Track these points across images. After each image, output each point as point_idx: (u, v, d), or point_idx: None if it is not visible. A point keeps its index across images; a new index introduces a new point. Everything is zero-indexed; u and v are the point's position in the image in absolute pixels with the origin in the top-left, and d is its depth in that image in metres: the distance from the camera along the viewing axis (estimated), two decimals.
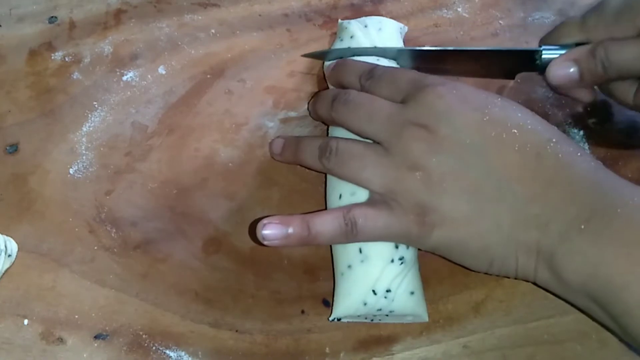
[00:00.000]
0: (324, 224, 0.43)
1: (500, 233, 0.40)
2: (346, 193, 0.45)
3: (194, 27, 0.57)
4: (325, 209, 0.47)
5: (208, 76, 0.55)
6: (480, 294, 0.47)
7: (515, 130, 0.41)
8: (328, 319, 0.45)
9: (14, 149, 0.51)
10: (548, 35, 0.50)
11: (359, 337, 0.46)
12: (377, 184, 0.43)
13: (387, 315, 0.44)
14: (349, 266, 0.44)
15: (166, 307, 0.46)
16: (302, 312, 0.47)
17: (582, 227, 0.38)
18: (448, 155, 0.41)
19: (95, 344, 0.45)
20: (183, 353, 0.45)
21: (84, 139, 0.51)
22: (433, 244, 0.42)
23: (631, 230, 0.37)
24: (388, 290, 0.43)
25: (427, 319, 0.45)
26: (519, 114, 0.42)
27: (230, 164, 0.51)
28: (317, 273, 0.48)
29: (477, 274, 0.47)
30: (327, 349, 0.45)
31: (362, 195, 0.44)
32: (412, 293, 0.43)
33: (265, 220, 0.42)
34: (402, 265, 0.43)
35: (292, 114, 0.54)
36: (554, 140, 0.41)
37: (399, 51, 0.51)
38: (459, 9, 0.60)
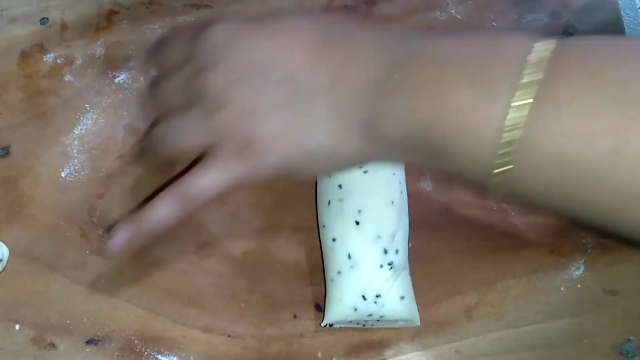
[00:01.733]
0: (159, 212, 0.41)
1: (319, 129, 0.38)
2: (334, 199, 0.45)
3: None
4: (317, 213, 0.47)
5: None
6: (472, 299, 0.47)
7: (295, 30, 0.40)
8: (320, 325, 0.45)
9: (5, 152, 0.50)
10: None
11: (351, 341, 0.46)
12: (198, 142, 0.41)
13: (378, 321, 0.44)
14: (339, 272, 0.44)
15: (158, 312, 0.46)
16: (295, 316, 0.47)
17: (388, 86, 0.36)
18: (245, 80, 0.39)
19: (87, 349, 0.45)
20: (175, 358, 0.45)
21: (75, 142, 0.51)
22: (270, 171, 0.40)
23: (430, 68, 0.35)
24: (378, 296, 0.43)
25: (418, 323, 0.45)
26: (295, 17, 0.42)
27: None
28: (309, 277, 0.48)
29: (469, 278, 0.48)
30: (320, 353, 0.46)
31: (350, 201, 0.44)
32: (402, 298, 0.43)
33: (112, 232, 0.41)
34: (392, 270, 0.43)
35: None
36: (336, 22, 0.40)
37: None
38: (453, 11, 0.59)
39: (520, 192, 0.34)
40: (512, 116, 0.31)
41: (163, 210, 0.40)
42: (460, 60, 0.34)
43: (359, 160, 0.40)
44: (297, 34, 0.40)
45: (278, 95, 0.39)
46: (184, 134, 0.41)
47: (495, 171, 0.33)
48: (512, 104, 0.31)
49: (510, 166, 0.32)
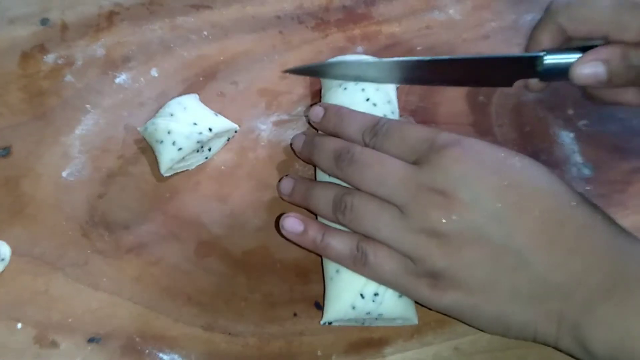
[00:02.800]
0: (337, 241, 0.43)
1: (518, 301, 0.39)
2: None
3: (187, 29, 0.57)
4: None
5: (200, 78, 0.55)
6: None
7: (535, 195, 0.40)
8: (319, 323, 0.45)
9: (6, 152, 0.51)
10: (564, 11, 0.46)
11: (351, 339, 0.46)
12: (393, 242, 0.42)
13: (376, 319, 0.44)
14: (337, 271, 0.44)
15: (159, 310, 0.46)
16: (294, 314, 0.47)
17: (606, 296, 0.37)
18: (467, 222, 0.40)
19: (89, 348, 0.45)
20: (176, 356, 0.45)
21: (76, 142, 0.51)
22: (444, 306, 0.41)
23: None
24: (376, 294, 0.43)
25: (416, 322, 0.45)
26: (538, 176, 0.41)
27: (222, 167, 0.51)
28: (309, 276, 0.48)
29: None
30: (319, 351, 0.46)
31: None
32: (400, 296, 0.44)
33: (290, 213, 0.45)
34: None
35: (285, 116, 0.54)
36: (573, 203, 0.40)
37: (394, 63, 0.49)
38: (451, 11, 0.60)
39: None
40: None
41: (341, 245, 0.43)
42: None
43: (530, 340, 0.41)
44: (534, 198, 0.40)
45: (496, 251, 0.39)
46: (383, 229, 0.42)
47: None
48: None
49: None
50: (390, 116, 0.49)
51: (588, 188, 0.52)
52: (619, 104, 0.48)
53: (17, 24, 0.56)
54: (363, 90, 0.49)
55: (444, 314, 0.43)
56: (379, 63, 0.49)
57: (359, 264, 0.42)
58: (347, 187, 0.45)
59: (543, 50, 0.46)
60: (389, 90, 0.51)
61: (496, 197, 0.40)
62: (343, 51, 0.56)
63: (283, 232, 0.45)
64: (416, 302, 0.44)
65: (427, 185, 0.41)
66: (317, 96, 0.54)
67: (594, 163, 0.53)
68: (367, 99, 0.49)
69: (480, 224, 0.39)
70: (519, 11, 0.60)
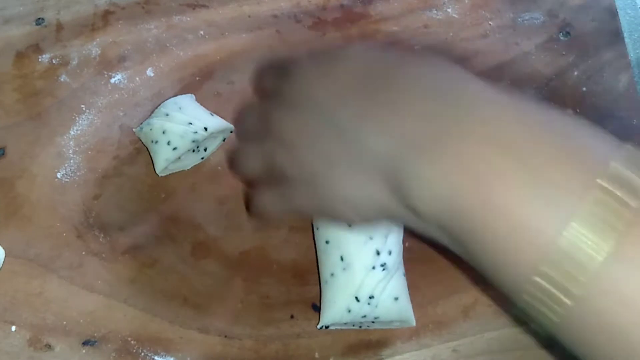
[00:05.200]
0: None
1: (348, 175, 0.36)
2: None
3: (183, 28, 0.57)
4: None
5: (197, 78, 0.54)
6: (469, 298, 0.47)
7: (346, 59, 0.38)
8: (316, 327, 0.45)
9: (0, 152, 0.50)
10: None
11: (349, 341, 0.46)
12: (258, 168, 0.41)
13: (373, 322, 0.44)
14: (332, 274, 0.44)
15: (155, 313, 0.46)
16: (292, 316, 0.46)
17: (424, 148, 0.32)
18: (292, 113, 0.39)
19: (84, 350, 0.44)
20: (172, 359, 0.45)
21: (71, 143, 0.51)
22: (302, 210, 0.40)
23: (477, 147, 0.31)
24: (371, 297, 0.42)
25: (414, 324, 0.45)
26: (361, 48, 0.39)
27: (219, 168, 0.51)
28: (306, 277, 0.48)
29: (466, 278, 0.47)
30: (317, 353, 0.46)
31: None
32: (396, 299, 0.43)
33: None
34: (385, 271, 0.43)
35: None
36: (390, 55, 0.37)
37: None
38: (449, 10, 0.59)
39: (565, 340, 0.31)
40: (568, 241, 0.28)
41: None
42: (527, 154, 0.30)
43: (389, 216, 0.37)
44: (344, 65, 0.38)
45: (312, 130, 0.37)
46: (252, 160, 0.42)
47: (528, 289, 0.30)
48: (571, 234, 0.28)
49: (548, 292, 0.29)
50: None
51: None
52: None
53: (12, 24, 0.55)
54: None
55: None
56: None
57: (259, 217, 0.44)
58: None
59: None
60: None
61: (314, 78, 0.38)
62: None
63: None
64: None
65: (273, 106, 0.41)
66: None
67: None
68: None
69: (303, 115, 0.38)
70: (517, 10, 0.59)
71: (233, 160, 0.45)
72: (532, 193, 0.29)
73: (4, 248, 0.47)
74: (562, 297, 0.29)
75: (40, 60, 0.54)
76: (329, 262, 0.44)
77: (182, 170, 0.50)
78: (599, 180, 0.28)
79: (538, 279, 0.29)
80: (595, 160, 0.30)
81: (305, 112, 0.38)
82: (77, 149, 0.51)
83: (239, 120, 0.46)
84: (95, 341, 0.45)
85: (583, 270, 0.28)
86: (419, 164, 0.32)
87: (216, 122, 0.49)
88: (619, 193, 0.28)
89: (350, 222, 0.40)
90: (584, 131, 0.32)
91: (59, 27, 0.56)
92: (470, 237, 0.31)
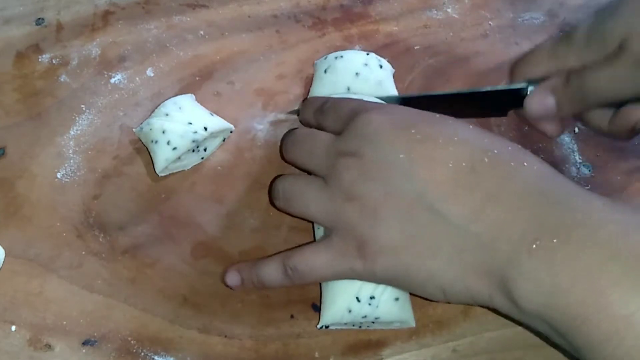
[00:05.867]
0: (267, 273, 0.43)
1: (442, 257, 0.38)
2: None
3: (183, 28, 0.57)
4: None
5: (197, 78, 0.54)
6: None
7: (447, 145, 0.38)
8: (316, 327, 0.45)
9: (0, 152, 0.50)
10: (519, 63, 0.49)
11: (348, 341, 0.46)
12: (322, 218, 0.42)
13: (373, 322, 0.44)
14: None
15: (155, 313, 0.46)
16: (292, 316, 0.46)
17: (533, 247, 0.34)
18: (377, 180, 0.39)
19: (84, 350, 0.44)
20: (172, 359, 0.45)
21: (71, 143, 0.51)
22: (379, 276, 0.40)
23: (588, 250, 0.33)
24: (372, 297, 0.42)
25: (413, 325, 0.45)
26: (452, 127, 0.40)
27: (219, 167, 0.51)
28: None
29: None
30: (317, 353, 0.45)
31: None
32: (396, 299, 0.43)
33: (229, 268, 0.46)
34: None
35: (281, 116, 0.53)
36: (493, 150, 0.38)
37: (384, 99, 0.49)
38: (449, 10, 0.60)
39: None
40: None
41: (272, 274, 0.43)
42: (628, 256, 0.32)
43: (470, 302, 0.39)
44: (446, 148, 0.38)
45: (409, 205, 0.38)
46: (311, 205, 0.42)
47: None
48: None
49: None
50: None
51: (587, 188, 0.52)
52: (543, 133, 0.49)
53: (12, 24, 0.55)
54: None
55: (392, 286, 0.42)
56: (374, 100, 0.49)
57: (297, 280, 0.42)
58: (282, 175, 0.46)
59: (526, 81, 0.47)
60: (389, 89, 0.51)
61: (404, 150, 0.39)
62: (340, 50, 0.56)
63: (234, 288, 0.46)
64: (415, 297, 0.43)
65: (342, 150, 0.41)
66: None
67: (593, 163, 0.53)
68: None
69: (389, 180, 0.38)
70: (517, 10, 0.60)
71: (283, 193, 0.45)
72: (633, 296, 0.31)
73: (4, 248, 0.46)
74: None
75: (40, 60, 0.54)
76: None
77: (182, 170, 0.50)
78: None
79: None
80: None
81: (389, 176, 0.39)
82: (77, 149, 0.51)
83: (290, 142, 0.46)
84: (95, 341, 0.45)
85: None
86: (527, 261, 0.34)
87: (216, 122, 0.49)
88: None
89: (429, 296, 0.41)
90: None
91: (59, 27, 0.56)
92: (576, 330, 0.33)
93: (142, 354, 0.45)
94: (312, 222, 0.47)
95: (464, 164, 0.37)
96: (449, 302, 0.41)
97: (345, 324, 0.44)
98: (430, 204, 0.37)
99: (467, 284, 0.37)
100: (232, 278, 0.45)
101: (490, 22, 0.59)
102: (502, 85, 0.49)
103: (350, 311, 0.43)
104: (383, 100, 0.49)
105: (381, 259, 0.39)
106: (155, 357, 0.45)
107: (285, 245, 0.48)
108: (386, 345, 0.46)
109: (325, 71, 0.51)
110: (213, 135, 0.49)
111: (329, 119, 0.45)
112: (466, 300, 0.38)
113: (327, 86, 0.51)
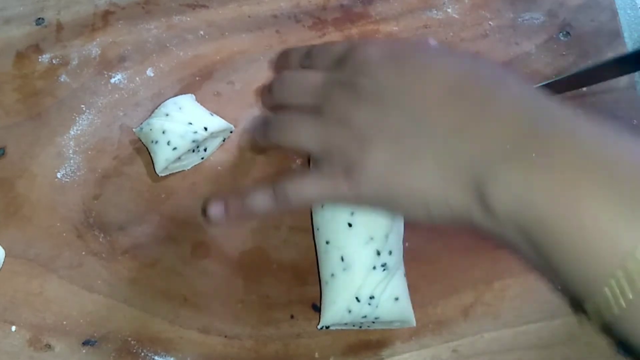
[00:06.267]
0: (255, 198, 0.42)
1: (429, 175, 0.37)
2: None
3: (183, 28, 0.57)
4: (311, 215, 0.47)
5: (197, 78, 0.54)
6: (469, 298, 0.47)
7: (435, 69, 0.39)
8: (317, 327, 0.45)
9: (0, 152, 0.50)
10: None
11: (348, 341, 0.46)
12: (314, 145, 0.41)
13: (373, 322, 0.44)
14: (332, 275, 0.44)
15: (155, 313, 0.46)
16: (292, 316, 0.46)
17: (508, 156, 0.34)
18: (369, 105, 0.39)
19: (84, 350, 0.44)
20: (172, 359, 0.45)
21: (71, 143, 0.51)
22: (365, 199, 0.40)
23: (565, 162, 0.33)
24: (372, 297, 0.42)
25: (414, 324, 0.45)
26: (441, 53, 0.40)
27: (219, 167, 0.51)
28: (306, 277, 0.48)
29: (466, 278, 0.47)
30: (317, 353, 0.46)
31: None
32: (396, 299, 0.43)
33: (213, 199, 0.42)
34: (385, 271, 0.43)
35: None
36: (478, 72, 0.39)
37: None
38: (449, 10, 0.59)
39: (622, 332, 0.32)
40: None
41: (260, 198, 0.41)
42: (608, 170, 0.32)
43: (451, 220, 0.38)
44: (437, 73, 0.39)
45: (398, 127, 0.38)
46: (302, 134, 0.42)
47: (598, 294, 0.31)
48: None
49: (622, 304, 0.31)
50: None
51: None
52: None
53: (12, 24, 0.55)
54: None
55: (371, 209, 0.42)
56: None
57: (285, 204, 0.41)
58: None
59: None
60: None
61: (395, 76, 0.39)
62: None
63: (212, 221, 0.42)
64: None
65: (338, 80, 0.41)
66: None
67: None
68: None
69: (379, 105, 0.39)
70: (517, 10, 0.59)
71: (274, 127, 0.44)
72: (613, 204, 0.31)
73: (4, 248, 0.46)
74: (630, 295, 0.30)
75: (40, 60, 0.54)
76: (330, 263, 0.44)
77: (182, 170, 0.50)
78: None
79: (607, 289, 0.31)
80: None
81: (380, 102, 0.39)
82: (77, 149, 0.51)
83: (286, 81, 0.45)
84: (95, 341, 0.45)
85: None
86: (504, 168, 0.34)
87: (216, 122, 0.49)
88: None
89: (413, 218, 0.40)
90: None
91: (59, 27, 0.56)
92: (548, 238, 0.33)
93: (142, 354, 0.45)
94: (312, 222, 0.47)
95: (450, 85, 0.38)
96: (432, 223, 0.39)
97: (346, 324, 0.44)
98: (417, 123, 0.38)
99: (449, 198, 0.37)
100: (216, 208, 0.42)
101: (490, 22, 0.59)
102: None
103: (350, 311, 0.43)
104: None
105: (367, 180, 0.39)
106: (155, 357, 0.45)
107: (285, 245, 0.48)
108: (386, 345, 0.46)
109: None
110: (213, 135, 0.49)
111: (320, 60, 0.45)
112: (448, 217, 0.38)
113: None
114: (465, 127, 0.37)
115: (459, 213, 0.37)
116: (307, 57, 0.46)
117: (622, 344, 0.38)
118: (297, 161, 0.51)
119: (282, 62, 0.49)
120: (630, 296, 0.30)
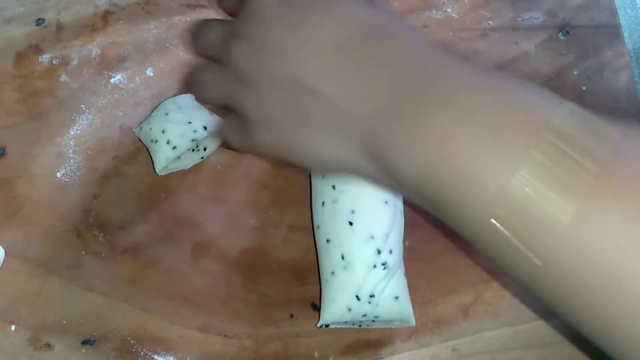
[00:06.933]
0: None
1: (317, 132, 0.38)
2: (328, 200, 0.45)
3: (183, 28, 0.57)
4: (311, 214, 0.47)
5: None
6: (469, 297, 0.47)
7: (326, 23, 0.38)
8: (316, 326, 0.45)
9: (0, 152, 0.50)
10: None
11: (348, 341, 0.46)
12: (220, 99, 0.42)
13: (373, 321, 0.44)
14: (332, 273, 0.44)
15: (154, 312, 0.46)
16: (291, 316, 0.46)
17: (397, 119, 0.34)
18: (262, 61, 0.39)
19: (83, 350, 0.44)
20: (172, 358, 0.45)
21: (71, 143, 0.51)
22: (261, 148, 0.40)
23: (446, 115, 0.33)
24: (372, 296, 0.42)
25: (413, 324, 0.45)
26: (337, 4, 0.39)
27: (219, 167, 0.51)
28: (305, 276, 0.48)
29: (465, 277, 0.47)
30: (316, 353, 0.45)
31: (343, 202, 0.44)
32: (396, 298, 0.43)
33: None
34: (385, 270, 0.43)
35: None
36: (374, 27, 0.38)
37: None
38: (448, 10, 0.59)
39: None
40: (520, 189, 0.30)
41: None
42: (480, 114, 0.32)
43: (355, 174, 0.38)
44: (325, 27, 0.38)
45: (285, 84, 0.38)
46: (208, 87, 0.42)
47: (487, 234, 0.32)
48: (520, 182, 0.30)
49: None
50: None
51: None
52: None
53: (12, 24, 0.56)
54: None
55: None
56: None
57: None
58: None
59: None
60: None
61: (286, 32, 0.38)
62: None
63: None
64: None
65: (233, 33, 0.40)
66: None
67: None
68: None
69: (270, 62, 0.38)
70: (516, 9, 0.59)
71: (192, 77, 0.44)
72: (481, 146, 0.31)
73: (4, 248, 0.47)
74: (530, 255, 0.31)
75: (40, 60, 0.54)
76: (330, 261, 0.44)
77: (182, 170, 0.50)
78: (544, 133, 0.30)
79: (495, 222, 0.31)
80: (539, 115, 0.31)
81: (271, 57, 0.38)
82: (77, 149, 0.51)
83: (198, 33, 0.44)
84: (95, 340, 0.45)
85: (548, 229, 0.30)
86: (396, 132, 0.34)
87: (216, 122, 0.49)
88: (564, 147, 0.30)
89: (311, 170, 0.42)
90: (532, 91, 0.34)
91: (59, 27, 0.56)
92: (438, 193, 0.33)
93: (142, 353, 0.45)
94: (312, 220, 0.47)
95: (340, 42, 0.37)
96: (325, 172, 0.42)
97: (345, 322, 0.44)
98: (306, 82, 0.37)
99: (343, 156, 0.37)
100: None
101: (490, 22, 0.59)
102: None
103: (349, 309, 0.43)
104: None
105: (261, 132, 0.40)
106: (155, 357, 0.45)
107: (285, 244, 0.48)
108: (386, 344, 0.46)
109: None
110: (213, 134, 0.49)
111: (227, 3, 0.44)
112: (342, 171, 0.39)
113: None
114: (352, 88, 0.36)
115: (356, 170, 0.38)
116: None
117: None
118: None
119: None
120: (532, 255, 0.30)
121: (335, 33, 0.38)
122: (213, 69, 0.42)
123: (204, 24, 0.44)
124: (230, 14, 0.45)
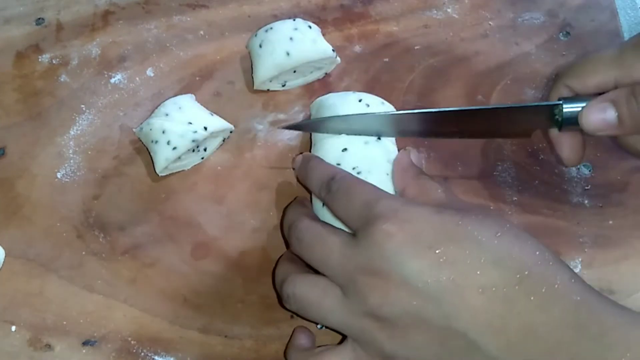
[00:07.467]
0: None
1: None
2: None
3: (183, 28, 0.57)
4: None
5: (197, 78, 0.54)
6: None
7: (475, 268, 0.37)
8: (316, 327, 0.45)
9: (0, 152, 0.50)
10: (569, 71, 0.45)
11: None
12: (342, 329, 0.40)
13: None
14: None
15: (155, 313, 0.46)
16: (291, 316, 0.46)
17: None
18: (404, 305, 0.37)
19: (84, 350, 0.44)
20: (172, 359, 0.45)
21: (71, 143, 0.51)
22: None
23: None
24: None
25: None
26: (479, 243, 0.37)
27: (219, 168, 0.51)
28: None
29: None
30: None
31: None
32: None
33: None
34: None
35: (282, 116, 0.53)
36: (524, 272, 0.36)
37: (395, 116, 0.47)
38: (449, 10, 0.59)
39: None
40: None
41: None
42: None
43: None
44: (474, 273, 0.36)
45: (442, 332, 0.37)
46: (328, 316, 0.40)
47: None
48: None
49: None
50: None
51: (587, 188, 0.52)
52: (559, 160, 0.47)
53: (12, 24, 0.56)
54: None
55: None
56: (381, 117, 0.47)
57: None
58: (291, 274, 0.43)
59: (561, 99, 0.44)
60: (324, 46, 0.52)
61: (430, 276, 0.37)
62: (340, 50, 0.55)
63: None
64: None
65: (363, 266, 0.38)
66: (313, 96, 0.53)
67: (593, 163, 0.53)
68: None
69: (417, 307, 0.37)
70: (517, 10, 0.59)
71: (298, 299, 0.41)
72: None
73: (4, 248, 0.47)
74: None
75: (40, 60, 0.54)
76: None
77: (182, 170, 0.50)
78: None
79: None
80: None
81: (416, 299, 0.37)
82: (77, 149, 0.51)
83: (296, 236, 0.43)
84: (95, 341, 0.45)
85: None
86: None
87: (216, 122, 0.49)
88: None
89: None
90: None
91: (59, 27, 0.56)
92: None
93: (142, 354, 0.45)
94: None
95: (494, 289, 0.36)
96: None
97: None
98: (464, 332, 0.36)
99: None
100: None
101: (490, 22, 0.59)
102: (531, 103, 0.46)
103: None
104: (399, 116, 0.47)
105: None
106: (155, 357, 0.45)
107: (285, 246, 0.48)
108: None
109: (260, 46, 0.52)
110: (213, 135, 0.49)
111: (339, 206, 0.42)
112: None
113: (266, 57, 0.51)
114: (518, 346, 0.36)
115: None
116: (327, 192, 0.43)
117: None
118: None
119: (304, 177, 0.46)
120: None
121: (488, 279, 0.36)
122: (334, 295, 0.40)
123: (311, 232, 0.42)
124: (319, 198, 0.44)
